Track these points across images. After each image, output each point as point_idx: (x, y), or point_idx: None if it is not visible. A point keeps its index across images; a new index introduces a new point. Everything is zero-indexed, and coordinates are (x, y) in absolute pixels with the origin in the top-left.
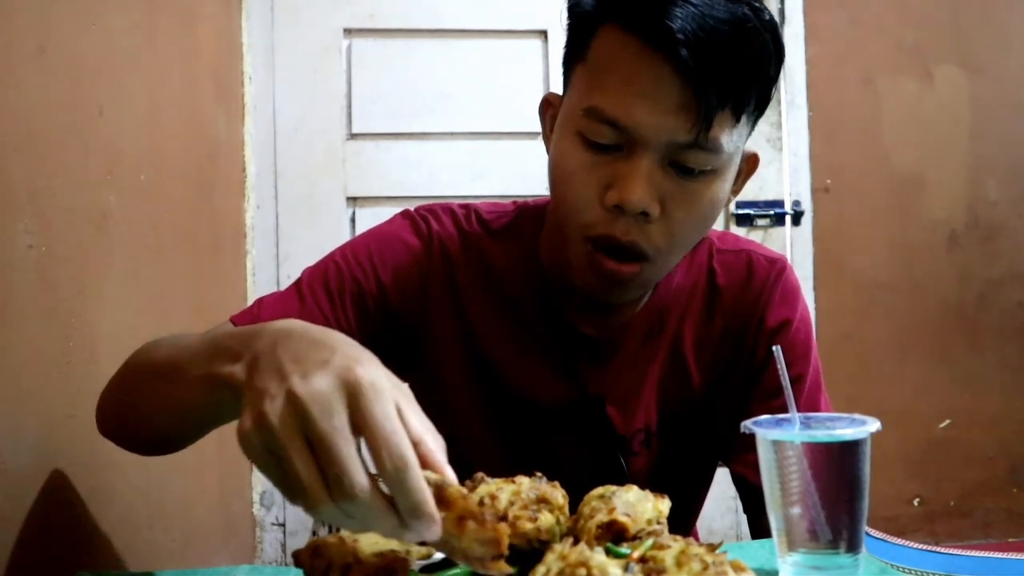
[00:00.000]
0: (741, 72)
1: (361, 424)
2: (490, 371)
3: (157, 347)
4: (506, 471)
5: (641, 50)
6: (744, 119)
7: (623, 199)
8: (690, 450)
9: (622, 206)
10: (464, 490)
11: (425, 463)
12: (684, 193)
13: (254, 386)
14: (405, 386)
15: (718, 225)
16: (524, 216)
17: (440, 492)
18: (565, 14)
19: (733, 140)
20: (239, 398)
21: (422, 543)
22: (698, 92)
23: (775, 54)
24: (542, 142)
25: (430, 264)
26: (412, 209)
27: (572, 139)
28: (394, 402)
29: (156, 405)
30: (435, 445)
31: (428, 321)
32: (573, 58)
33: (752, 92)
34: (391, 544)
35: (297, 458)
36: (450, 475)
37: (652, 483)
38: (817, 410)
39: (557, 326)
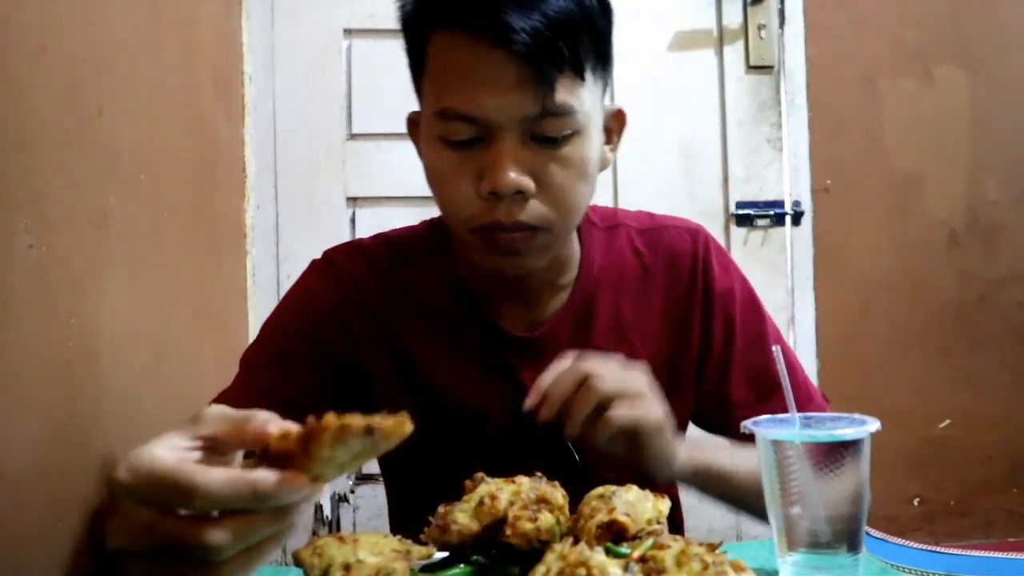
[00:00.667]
0: (569, 35)
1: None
2: (433, 392)
3: None
4: (455, 478)
5: (471, 43)
6: (589, 78)
7: (495, 185)
8: None
9: (497, 191)
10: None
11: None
12: (553, 161)
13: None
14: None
15: (718, 226)
16: (435, 232)
17: (299, 439)
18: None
19: (584, 100)
20: None
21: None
22: (533, 64)
23: (600, 9)
24: None
25: (344, 305)
26: (321, 255)
27: (436, 145)
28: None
29: None
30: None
31: (364, 360)
32: (417, 72)
33: (586, 49)
34: (391, 543)
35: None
36: (279, 426)
37: (616, 469)
38: (790, 358)
39: (488, 333)
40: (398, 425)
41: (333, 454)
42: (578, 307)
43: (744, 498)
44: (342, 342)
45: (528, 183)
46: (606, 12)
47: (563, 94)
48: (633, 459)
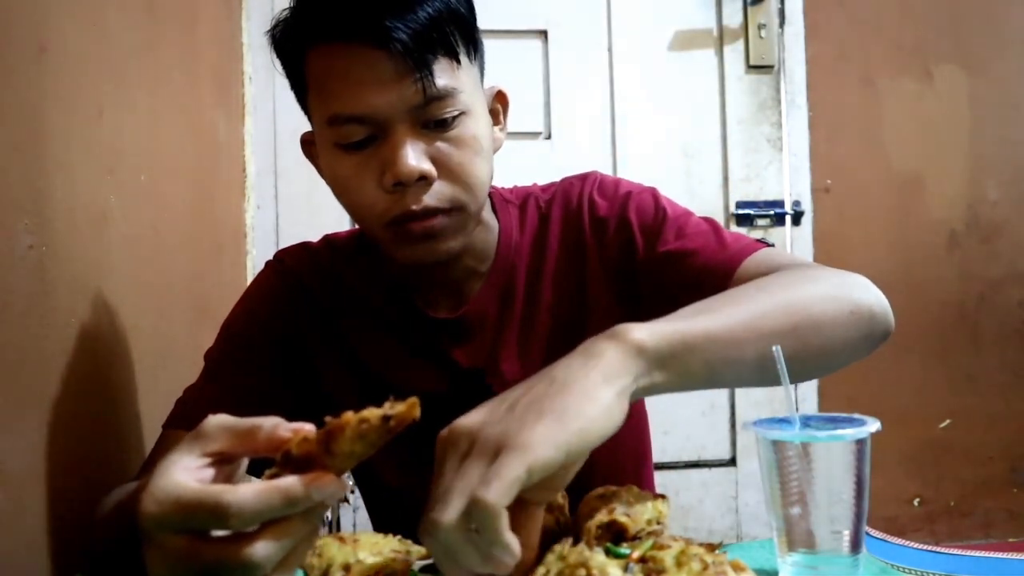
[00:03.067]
0: (435, 23)
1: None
2: (374, 381)
3: (102, 508)
4: (415, 470)
5: (349, 49)
6: (464, 61)
7: (398, 174)
8: None
9: (401, 180)
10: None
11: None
12: (448, 143)
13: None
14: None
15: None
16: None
17: (320, 440)
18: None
19: (464, 82)
20: None
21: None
22: (410, 56)
23: None
24: (541, 141)
25: (294, 302)
26: (274, 255)
27: (333, 152)
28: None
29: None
30: (269, 429)
31: (313, 355)
32: (301, 93)
33: (456, 35)
34: (391, 544)
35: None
36: (293, 429)
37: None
38: (699, 238)
39: (418, 321)
40: (410, 408)
41: (353, 449)
42: (499, 282)
43: (755, 353)
44: (293, 338)
45: (429, 167)
46: (466, 1)
47: (442, 79)
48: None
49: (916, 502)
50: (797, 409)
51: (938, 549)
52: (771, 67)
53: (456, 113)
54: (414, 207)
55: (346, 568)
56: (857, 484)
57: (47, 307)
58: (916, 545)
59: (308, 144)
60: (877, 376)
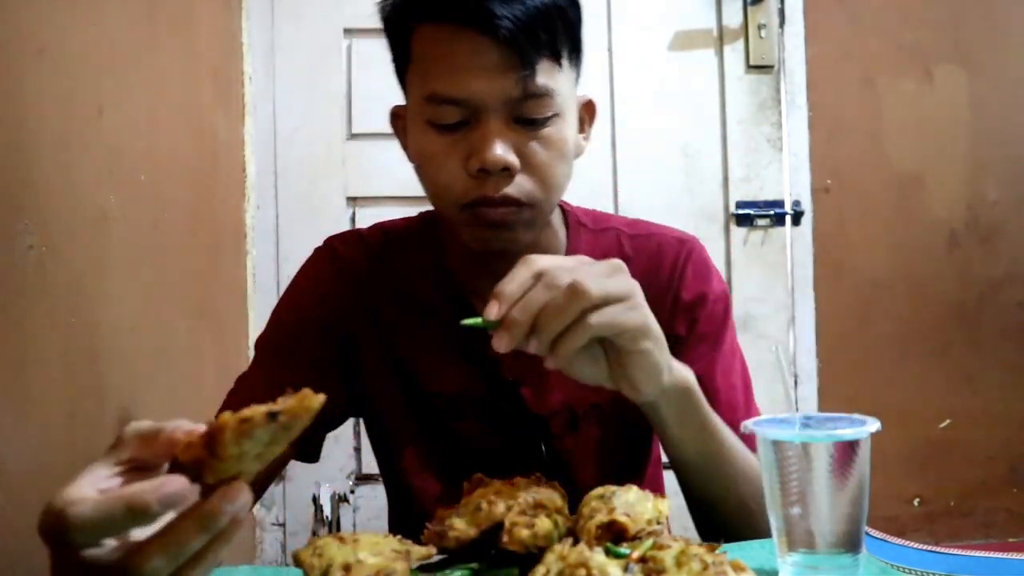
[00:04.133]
0: (547, 22)
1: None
2: (408, 372)
3: None
4: (436, 467)
5: (457, 32)
6: (565, 64)
7: (483, 161)
8: (626, 429)
9: (485, 168)
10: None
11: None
12: (536, 141)
13: None
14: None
15: (718, 225)
16: (428, 224)
17: (203, 444)
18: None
19: (562, 85)
20: None
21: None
22: (515, 49)
23: (570, 1)
24: None
25: (342, 290)
26: (324, 241)
27: (424, 130)
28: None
29: None
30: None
31: (357, 345)
32: (402, 65)
33: (562, 37)
34: (391, 544)
35: None
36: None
37: (584, 466)
38: (731, 375)
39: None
40: (301, 401)
41: (242, 450)
42: None
43: (721, 455)
44: (340, 327)
45: (514, 160)
46: (575, 5)
47: (543, 78)
48: (614, 378)
49: (916, 502)
50: (797, 409)
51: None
52: (771, 67)
53: (550, 114)
54: (492, 195)
55: (346, 568)
56: (857, 484)
57: (47, 307)
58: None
59: (397, 118)
60: (877, 376)
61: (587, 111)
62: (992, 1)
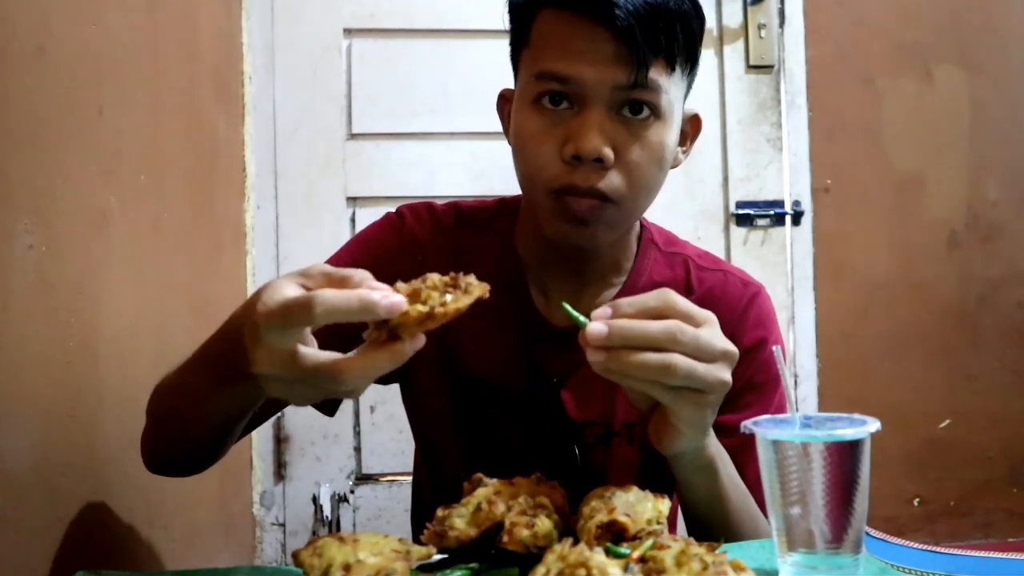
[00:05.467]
0: (666, 24)
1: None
2: (452, 353)
3: (162, 386)
4: (463, 456)
5: (576, 19)
6: (678, 71)
7: (579, 148)
8: (657, 452)
9: (579, 155)
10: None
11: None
12: (634, 138)
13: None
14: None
15: (718, 225)
16: (503, 209)
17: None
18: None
19: (671, 88)
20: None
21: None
22: (630, 42)
23: (694, 12)
24: None
25: (400, 259)
26: (398, 208)
27: (529, 109)
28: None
29: (192, 425)
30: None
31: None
32: (518, 47)
33: (679, 42)
34: (391, 544)
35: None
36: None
37: (615, 482)
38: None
39: (524, 312)
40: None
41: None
42: None
43: (723, 510)
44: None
45: (609, 152)
46: (699, 17)
47: (654, 73)
48: (670, 418)
49: (916, 502)
50: (797, 409)
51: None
52: (771, 67)
53: (652, 115)
54: (581, 184)
55: (346, 568)
56: (857, 484)
57: (47, 307)
58: (916, 545)
59: (504, 100)
60: (877, 376)
61: (692, 125)
62: (992, 1)
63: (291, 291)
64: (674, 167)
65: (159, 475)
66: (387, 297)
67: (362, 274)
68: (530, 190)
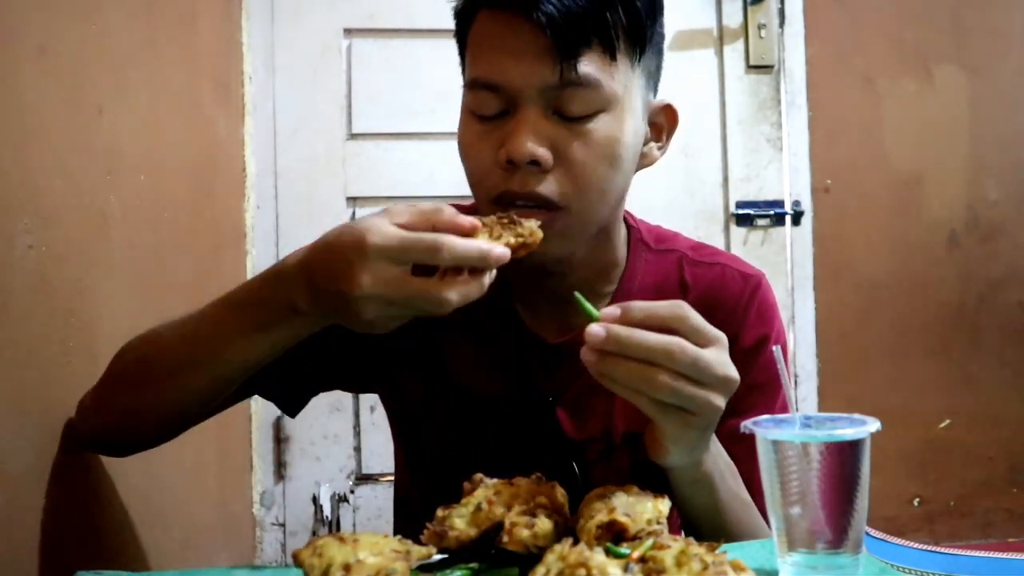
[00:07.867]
0: (597, 12)
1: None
2: (444, 372)
3: (154, 337)
4: (459, 473)
5: (507, 19)
6: (623, 60)
7: (511, 151)
8: (651, 463)
9: (513, 159)
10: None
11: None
12: (576, 136)
13: (330, 289)
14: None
15: (718, 225)
16: None
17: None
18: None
19: (616, 80)
20: (297, 319)
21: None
22: (555, 35)
23: None
24: None
25: None
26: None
27: (466, 117)
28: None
29: (193, 376)
30: (445, 214)
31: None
32: (462, 56)
33: (619, 29)
34: (391, 544)
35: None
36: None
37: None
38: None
39: (515, 331)
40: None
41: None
42: None
43: (716, 518)
44: None
45: (544, 154)
46: (653, 2)
47: (588, 67)
48: (657, 434)
49: (916, 502)
50: (797, 409)
51: (938, 549)
52: (771, 67)
53: (594, 110)
54: (518, 189)
55: (346, 568)
56: (857, 484)
57: (47, 307)
58: (916, 545)
59: None
60: (877, 376)
61: (667, 117)
62: (992, 1)
63: (391, 228)
64: (648, 165)
65: (90, 450)
66: (496, 248)
67: (450, 210)
68: (478, 202)
